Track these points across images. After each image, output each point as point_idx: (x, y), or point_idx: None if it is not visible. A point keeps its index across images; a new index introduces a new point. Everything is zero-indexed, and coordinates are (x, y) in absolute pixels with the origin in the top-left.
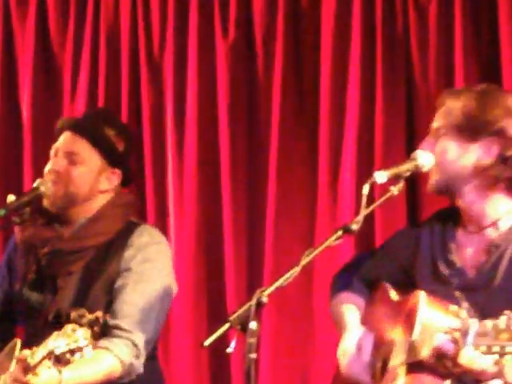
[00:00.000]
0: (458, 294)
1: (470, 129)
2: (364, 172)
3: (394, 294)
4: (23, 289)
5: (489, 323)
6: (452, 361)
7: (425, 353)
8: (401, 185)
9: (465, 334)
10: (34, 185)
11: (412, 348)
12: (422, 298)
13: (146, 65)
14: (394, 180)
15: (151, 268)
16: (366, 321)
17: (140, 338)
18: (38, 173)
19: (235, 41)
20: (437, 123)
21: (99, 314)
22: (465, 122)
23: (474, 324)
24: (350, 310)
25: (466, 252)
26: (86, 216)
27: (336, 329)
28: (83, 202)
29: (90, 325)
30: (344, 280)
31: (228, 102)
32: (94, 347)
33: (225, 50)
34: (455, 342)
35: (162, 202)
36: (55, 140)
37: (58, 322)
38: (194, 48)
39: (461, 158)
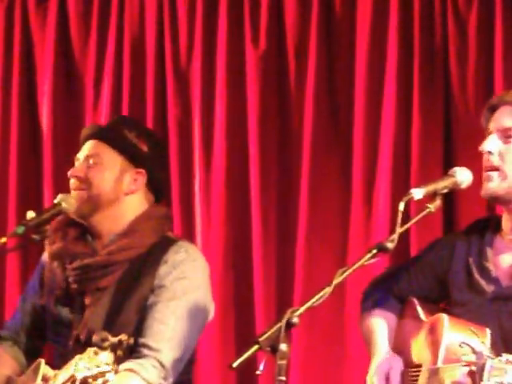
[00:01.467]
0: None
1: None
2: (399, 188)
3: (421, 312)
4: (51, 305)
5: (503, 359)
6: None
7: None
8: (438, 202)
9: (481, 369)
10: (55, 201)
11: (437, 376)
12: (445, 321)
13: (173, 74)
14: (430, 197)
15: (186, 285)
16: (395, 338)
17: (168, 358)
18: (59, 185)
19: (266, 51)
20: (504, 123)
21: (124, 337)
22: None
23: (490, 360)
24: (381, 329)
25: (503, 260)
26: (118, 227)
27: (365, 347)
28: (109, 204)
29: (113, 348)
30: (376, 295)
31: (258, 115)
32: (118, 371)
33: (255, 60)
34: (473, 376)
35: (188, 218)
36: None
37: (90, 344)
38: (223, 58)
39: None
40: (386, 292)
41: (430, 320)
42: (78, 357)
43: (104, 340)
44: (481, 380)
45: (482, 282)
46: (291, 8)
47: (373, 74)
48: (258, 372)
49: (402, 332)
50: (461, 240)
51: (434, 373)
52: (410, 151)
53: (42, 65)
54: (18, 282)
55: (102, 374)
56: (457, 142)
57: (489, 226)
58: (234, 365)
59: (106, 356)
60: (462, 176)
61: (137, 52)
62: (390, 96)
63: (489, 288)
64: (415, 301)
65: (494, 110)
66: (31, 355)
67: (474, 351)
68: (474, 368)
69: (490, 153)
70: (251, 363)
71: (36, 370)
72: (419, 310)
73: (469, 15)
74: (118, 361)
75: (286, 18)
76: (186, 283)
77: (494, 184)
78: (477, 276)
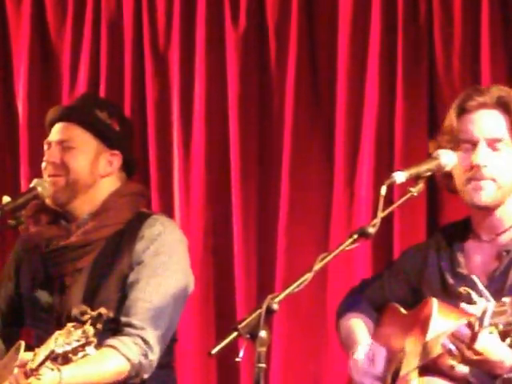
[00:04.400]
0: (463, 290)
1: None
2: (382, 172)
3: (403, 310)
4: (31, 290)
5: (507, 300)
6: (468, 347)
7: (438, 350)
8: (421, 186)
9: (482, 317)
10: (31, 185)
11: (425, 348)
12: (434, 304)
13: (151, 55)
14: (413, 180)
15: (165, 260)
16: (375, 340)
17: (152, 335)
18: (36, 170)
19: (246, 30)
20: (494, 132)
21: (103, 310)
22: None
23: (491, 304)
24: (360, 326)
25: (476, 262)
26: (92, 208)
27: (343, 348)
28: (86, 189)
29: (93, 322)
30: (351, 302)
31: (238, 95)
32: (99, 345)
33: (235, 39)
34: (471, 326)
35: (167, 203)
36: (47, 135)
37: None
38: (202, 37)
39: None
40: (362, 300)
41: (416, 309)
42: (57, 332)
43: (83, 313)
44: (481, 326)
45: (457, 287)
46: None
47: (356, 50)
48: (237, 359)
49: (383, 335)
50: (431, 247)
51: (425, 347)
52: (393, 135)
53: (17, 47)
54: None
55: (82, 347)
56: (442, 122)
57: (457, 231)
58: (214, 352)
59: (86, 330)
60: (447, 158)
61: (114, 33)
62: (373, 78)
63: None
64: (396, 304)
65: (469, 112)
66: (8, 341)
67: (474, 303)
68: (472, 319)
69: (484, 166)
70: (231, 350)
71: (17, 352)
72: (401, 309)
73: None
74: (98, 334)
75: None
76: (165, 258)
77: (491, 194)
78: (451, 282)
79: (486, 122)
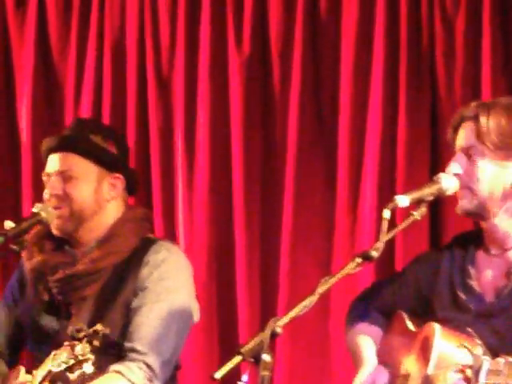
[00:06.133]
0: (470, 330)
1: (506, 148)
2: (385, 195)
3: (410, 324)
4: (36, 317)
5: (502, 361)
6: None
7: None
8: (423, 209)
9: (477, 372)
10: (34, 210)
11: (427, 382)
12: (437, 330)
13: (154, 80)
14: (416, 204)
15: (169, 286)
16: (382, 351)
17: (155, 360)
18: (39, 195)
19: (250, 55)
20: (467, 142)
21: (99, 326)
22: (498, 141)
23: (487, 362)
24: (366, 343)
25: (486, 276)
26: (99, 234)
27: (352, 360)
28: (92, 217)
29: (89, 339)
30: (360, 310)
31: (242, 121)
32: (101, 369)
33: (238, 65)
34: (467, 380)
35: (170, 225)
36: (43, 166)
37: None
38: (206, 63)
39: (496, 179)
40: (370, 307)
41: (420, 330)
42: (54, 352)
43: (79, 331)
44: (477, 382)
45: (467, 300)
46: (275, 12)
47: (358, 78)
48: (240, 383)
49: (388, 345)
50: (444, 257)
51: (426, 380)
52: (395, 159)
53: (20, 68)
54: None
55: (79, 364)
56: (444, 145)
57: (471, 241)
58: (217, 376)
59: (82, 347)
60: (448, 183)
61: (118, 57)
62: (376, 100)
63: (473, 305)
64: (403, 314)
65: (457, 127)
66: (10, 364)
67: (471, 352)
68: (469, 372)
69: (456, 175)
70: (235, 373)
71: (16, 376)
72: (408, 322)
73: (456, 14)
74: (95, 351)
75: (269, 22)
76: (169, 283)
77: (466, 201)
78: (460, 293)
79: (462, 133)
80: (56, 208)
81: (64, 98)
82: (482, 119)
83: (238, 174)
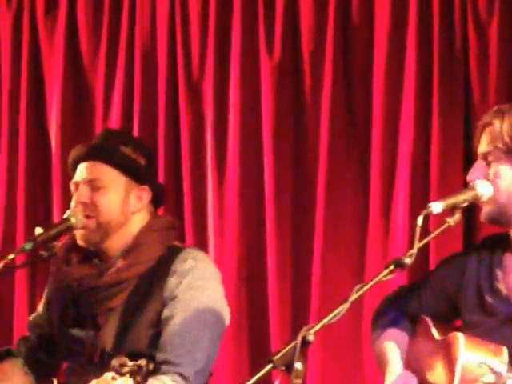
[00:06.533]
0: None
1: None
2: (418, 202)
3: (434, 331)
4: (63, 327)
5: None
6: None
7: None
8: (457, 216)
9: None
10: (64, 216)
11: None
12: (461, 341)
13: (185, 87)
14: (450, 211)
15: (199, 295)
16: (408, 358)
17: (190, 370)
18: (68, 204)
19: (281, 61)
20: (484, 148)
21: (143, 362)
22: (511, 143)
23: (510, 380)
24: (392, 348)
25: None
26: (124, 245)
27: (378, 366)
28: (118, 228)
29: (132, 374)
30: (386, 314)
31: (273, 125)
32: None
33: (270, 68)
34: None
35: (201, 231)
36: (72, 175)
37: (103, 364)
38: (237, 69)
39: None
40: (397, 311)
41: (444, 339)
42: (94, 382)
43: (122, 365)
44: None
45: (494, 303)
46: (306, 15)
47: (391, 83)
48: None
49: (415, 351)
50: (471, 259)
51: None
52: (428, 163)
53: (50, 76)
54: (26, 299)
55: None
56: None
57: (499, 243)
58: None
59: (125, 381)
60: (483, 189)
61: (148, 62)
62: (408, 105)
63: (500, 309)
64: (428, 320)
65: (479, 135)
66: (42, 373)
67: (492, 371)
68: None
69: (472, 181)
70: (266, 382)
71: None
72: (432, 328)
73: (490, 18)
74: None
75: (301, 25)
76: (199, 292)
77: (487, 208)
78: (487, 297)
79: (483, 139)
80: (84, 217)
81: (94, 106)
82: (496, 123)
83: (269, 181)
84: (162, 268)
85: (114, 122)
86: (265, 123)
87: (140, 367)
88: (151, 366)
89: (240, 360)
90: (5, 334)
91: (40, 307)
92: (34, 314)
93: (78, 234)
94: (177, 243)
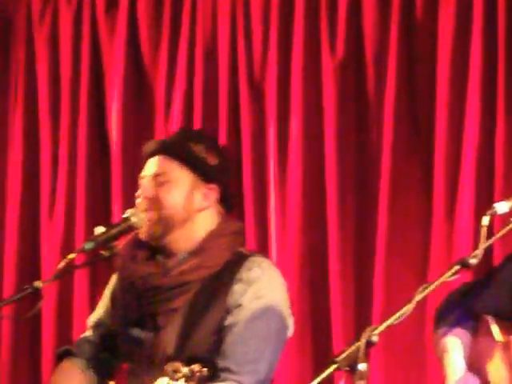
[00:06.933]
0: None
1: None
2: (483, 202)
3: (496, 331)
4: (125, 326)
5: None
6: None
7: None
8: None
9: None
10: (125, 215)
11: None
12: None
13: (247, 84)
14: None
15: (264, 304)
16: (471, 358)
17: (250, 380)
18: (128, 201)
19: (343, 59)
20: None
21: (196, 367)
22: None
23: None
24: (456, 350)
25: None
26: (190, 245)
27: (440, 364)
28: (181, 224)
29: (186, 380)
30: (449, 313)
31: (335, 124)
32: None
33: (332, 67)
34: None
35: (263, 232)
36: (142, 169)
37: (164, 366)
38: (299, 65)
39: None
40: (460, 309)
41: (507, 340)
42: None
43: (176, 371)
44: None
45: None
46: (370, 14)
47: (455, 82)
48: None
49: (476, 351)
50: None
51: None
52: (493, 164)
53: (110, 74)
54: (86, 299)
55: None
56: None
57: None
58: None
59: None
60: None
61: (209, 61)
62: (473, 105)
63: None
64: (490, 319)
65: None
66: (103, 373)
67: None
68: None
69: None
70: (329, 383)
71: None
72: (494, 328)
73: None
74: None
75: (364, 25)
76: (264, 302)
77: None
78: None
79: None
80: (144, 211)
81: (154, 102)
82: None
83: (331, 180)
84: (226, 274)
85: (175, 120)
86: (327, 121)
87: (194, 373)
88: (205, 372)
89: (302, 362)
90: (64, 334)
91: (101, 306)
92: (94, 313)
93: (141, 228)
94: (243, 249)
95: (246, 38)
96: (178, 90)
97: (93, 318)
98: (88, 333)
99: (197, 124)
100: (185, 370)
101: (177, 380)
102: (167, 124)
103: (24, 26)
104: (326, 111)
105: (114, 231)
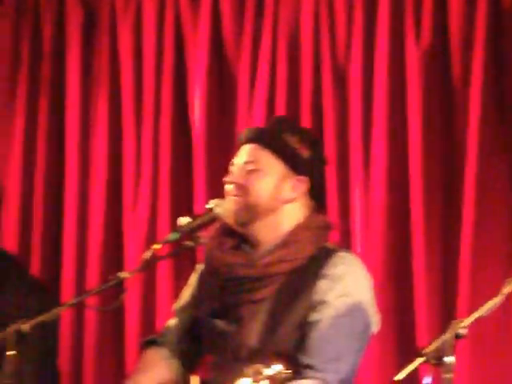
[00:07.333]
0: None
1: None
2: None
3: None
4: (208, 319)
5: None
6: None
7: None
8: None
9: None
10: (208, 206)
11: None
12: None
13: (331, 74)
14: None
15: (350, 302)
16: None
17: (333, 378)
18: (212, 190)
19: (429, 47)
20: None
21: (278, 368)
22: None
23: None
24: None
25: None
26: (275, 236)
27: None
28: (267, 214)
29: (269, 381)
30: None
31: (421, 114)
32: None
33: (417, 57)
34: None
35: (346, 225)
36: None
37: (248, 361)
38: (383, 52)
39: None
40: None
41: None
42: None
43: (257, 373)
44: None
45: None
46: (456, 1)
47: None
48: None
49: None
50: None
51: None
52: None
53: (193, 65)
54: (170, 290)
55: None
56: None
57: None
58: (398, 377)
59: None
60: None
61: (292, 51)
62: None
63: None
64: None
65: None
66: (187, 365)
67: None
68: None
69: None
70: (413, 376)
71: None
72: None
73: None
74: None
75: (450, 12)
76: (350, 300)
77: None
78: None
79: None
80: (233, 195)
81: (237, 91)
82: None
83: (416, 172)
84: (312, 270)
85: (258, 107)
86: (411, 113)
87: (276, 374)
88: (287, 372)
89: (386, 357)
90: (148, 325)
91: (186, 294)
92: (179, 300)
93: (227, 214)
94: (328, 244)
95: (329, 26)
96: (261, 78)
97: (178, 305)
98: (173, 320)
99: (279, 112)
100: (267, 371)
101: (259, 382)
102: (250, 115)
103: (108, 16)
104: (410, 99)
105: (198, 222)
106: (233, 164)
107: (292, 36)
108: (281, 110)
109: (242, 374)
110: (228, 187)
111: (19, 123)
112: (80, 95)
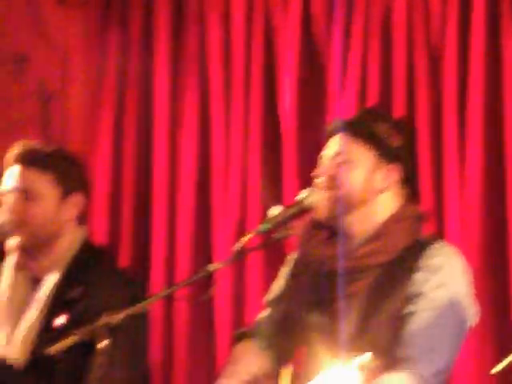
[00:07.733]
0: None
1: None
2: None
3: None
4: (301, 311)
5: None
6: None
7: None
8: None
9: None
10: (298, 197)
11: None
12: None
13: (424, 62)
14: None
15: (446, 294)
16: None
17: (429, 371)
18: (301, 180)
19: None
20: None
21: (369, 357)
22: None
23: None
24: None
25: None
26: (369, 227)
27: None
28: (360, 205)
29: (360, 370)
30: None
31: None
32: None
33: None
34: None
35: (439, 215)
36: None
37: (344, 353)
38: (479, 39)
39: None
40: None
41: None
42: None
43: (348, 362)
44: None
45: None
46: None
47: None
48: None
49: None
50: None
51: None
52: None
53: (284, 55)
54: (260, 281)
55: None
56: None
57: None
58: (494, 370)
59: (352, 376)
60: None
61: (384, 40)
62: None
63: None
64: None
65: None
66: (279, 357)
67: None
68: None
69: None
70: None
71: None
72: None
73: None
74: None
75: None
76: (446, 292)
77: None
78: None
79: None
80: (323, 189)
81: (327, 81)
82: None
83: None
84: (407, 261)
85: (350, 94)
86: (508, 100)
87: (366, 363)
88: (378, 363)
89: (484, 349)
90: (238, 316)
91: (277, 286)
92: (270, 292)
93: (319, 207)
94: (423, 235)
95: (423, 13)
96: (352, 69)
97: (269, 297)
98: (265, 312)
99: (371, 98)
100: (358, 360)
101: (351, 369)
102: (341, 105)
103: (196, 5)
104: (507, 86)
105: (289, 213)
106: (322, 156)
107: (384, 24)
108: (373, 100)
109: (333, 363)
110: (318, 180)
111: (107, 115)
112: (168, 86)
